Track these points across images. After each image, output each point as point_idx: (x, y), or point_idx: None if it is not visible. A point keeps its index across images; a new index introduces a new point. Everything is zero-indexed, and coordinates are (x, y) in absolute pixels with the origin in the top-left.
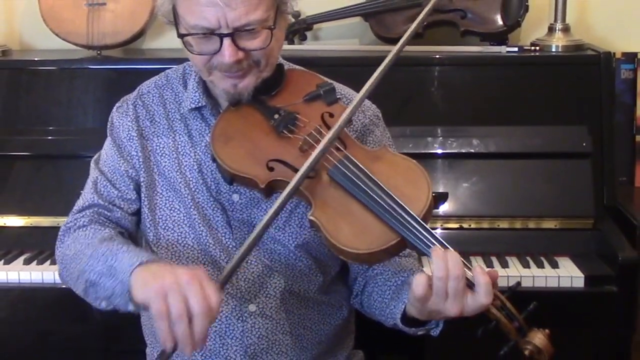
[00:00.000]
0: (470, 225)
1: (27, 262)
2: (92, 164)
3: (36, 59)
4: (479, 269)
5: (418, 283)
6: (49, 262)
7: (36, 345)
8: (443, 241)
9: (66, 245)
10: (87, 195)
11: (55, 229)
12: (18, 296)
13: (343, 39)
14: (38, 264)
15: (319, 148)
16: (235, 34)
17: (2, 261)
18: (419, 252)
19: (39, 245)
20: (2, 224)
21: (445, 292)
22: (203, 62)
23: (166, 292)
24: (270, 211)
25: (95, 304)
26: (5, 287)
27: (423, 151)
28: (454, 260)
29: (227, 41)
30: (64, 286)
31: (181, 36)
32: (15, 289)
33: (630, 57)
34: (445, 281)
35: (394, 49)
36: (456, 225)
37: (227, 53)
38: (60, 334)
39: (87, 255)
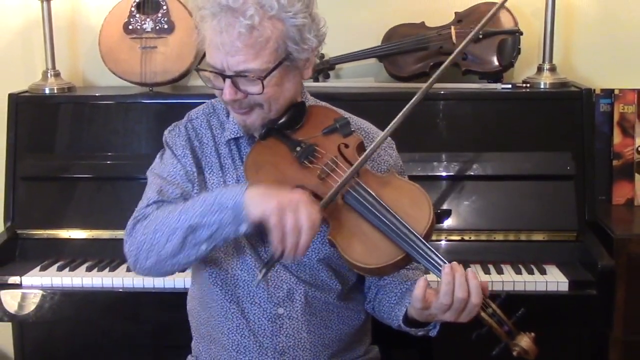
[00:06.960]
0: (470, 238)
1: (89, 269)
2: (149, 175)
3: (97, 94)
4: (471, 274)
5: (418, 286)
6: (107, 269)
7: (96, 341)
8: (442, 257)
9: (140, 230)
10: (151, 196)
11: (113, 241)
12: (81, 299)
13: (361, 77)
14: (98, 271)
15: (340, 180)
16: (236, 77)
17: (68, 268)
18: (424, 266)
19: (99, 255)
20: (68, 236)
21: (447, 308)
22: (218, 95)
23: (283, 209)
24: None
25: (192, 253)
26: (70, 291)
27: (430, 174)
28: (460, 282)
29: (227, 82)
30: (120, 290)
31: (197, 70)
32: (79, 292)
33: (608, 93)
34: (449, 302)
35: (409, 104)
36: (458, 238)
37: (225, 92)
38: (117, 332)
39: (177, 212)
